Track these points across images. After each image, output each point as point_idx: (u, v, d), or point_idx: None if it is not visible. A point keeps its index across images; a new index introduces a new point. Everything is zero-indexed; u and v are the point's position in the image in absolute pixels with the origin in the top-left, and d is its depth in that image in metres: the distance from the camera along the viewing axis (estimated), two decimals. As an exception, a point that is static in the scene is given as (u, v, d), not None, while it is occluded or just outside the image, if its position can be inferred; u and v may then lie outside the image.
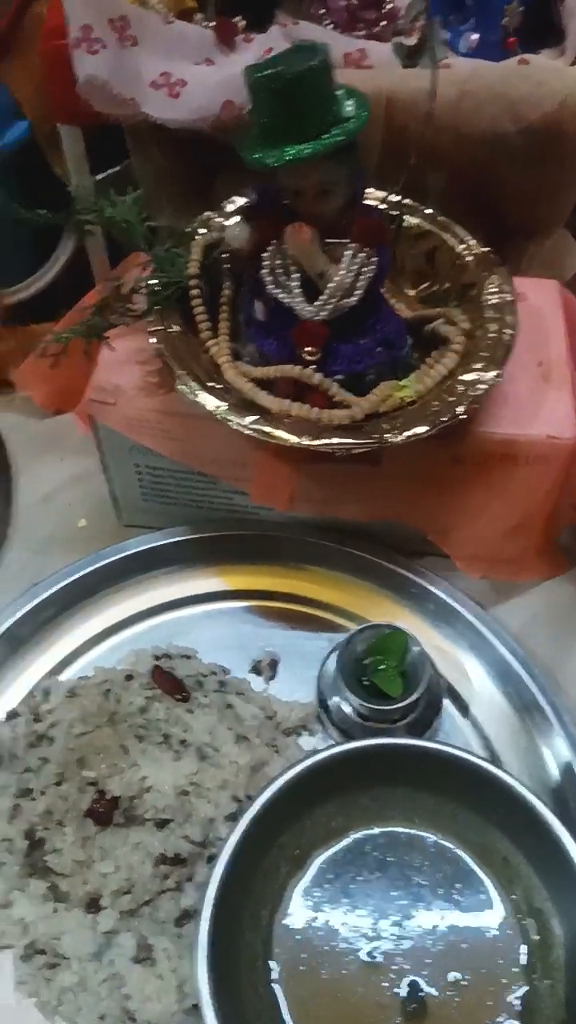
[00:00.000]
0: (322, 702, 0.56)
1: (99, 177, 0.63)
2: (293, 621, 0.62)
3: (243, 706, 0.56)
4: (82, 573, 0.62)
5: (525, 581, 0.63)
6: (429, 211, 0.58)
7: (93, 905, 0.48)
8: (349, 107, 0.44)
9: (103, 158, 0.64)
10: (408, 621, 0.61)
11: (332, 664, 0.56)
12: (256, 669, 0.60)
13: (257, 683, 0.59)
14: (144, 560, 0.63)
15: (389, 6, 0.63)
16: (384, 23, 0.63)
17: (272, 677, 0.60)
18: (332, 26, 0.63)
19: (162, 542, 0.63)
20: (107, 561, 0.62)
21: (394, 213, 0.57)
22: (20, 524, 0.69)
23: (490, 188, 0.61)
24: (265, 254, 0.49)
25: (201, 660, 0.59)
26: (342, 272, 0.48)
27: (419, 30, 0.65)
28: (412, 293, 0.58)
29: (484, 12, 0.62)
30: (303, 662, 0.60)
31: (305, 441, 0.48)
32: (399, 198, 0.57)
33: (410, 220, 0.58)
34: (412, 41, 0.61)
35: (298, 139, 0.44)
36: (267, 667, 0.60)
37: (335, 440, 0.48)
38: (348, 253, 0.48)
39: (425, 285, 0.59)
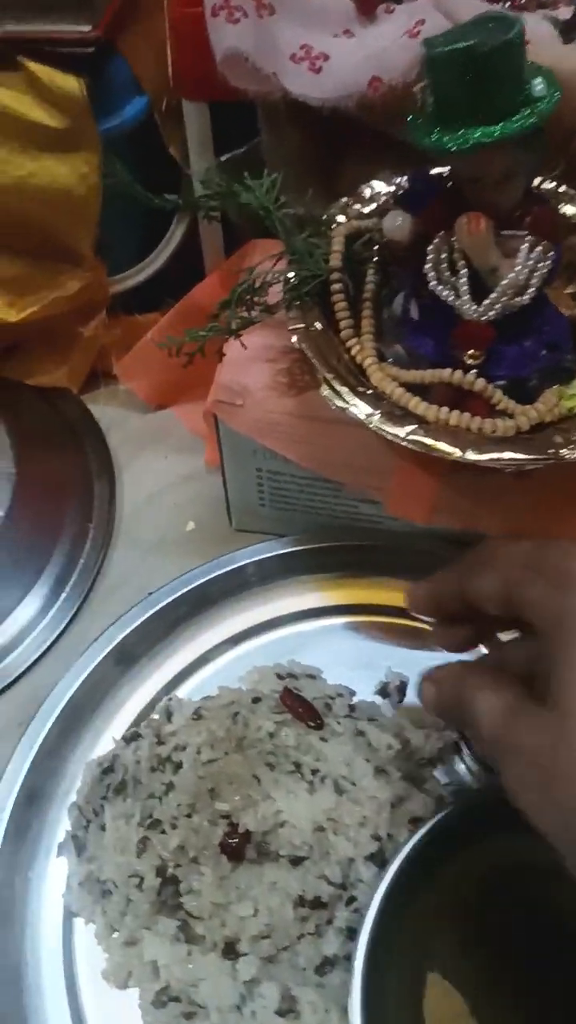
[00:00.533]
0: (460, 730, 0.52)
1: (223, 158, 0.59)
2: (420, 640, 0.58)
3: (376, 734, 0.52)
4: (199, 583, 0.58)
5: None
6: (589, 199, 0.53)
7: (231, 950, 0.45)
8: (539, 86, 0.39)
9: (223, 139, 0.60)
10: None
11: None
12: (383, 691, 0.56)
13: (384, 706, 0.55)
14: (263, 569, 0.59)
15: (539, -27, 0.57)
16: (531, -7, 0.58)
17: (400, 701, 0.56)
18: (474, -5, 0.58)
19: (283, 551, 0.59)
20: (225, 570, 0.59)
21: (545, 195, 0.52)
22: (125, 524, 0.66)
23: None
24: (430, 247, 0.44)
25: (326, 680, 0.55)
26: (517, 268, 0.43)
27: (565, 2, 0.60)
28: (567, 290, 0.53)
29: None
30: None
31: (471, 456, 0.43)
32: (553, 185, 0.53)
33: (566, 209, 0.53)
34: (567, 14, 0.56)
35: (483, 120, 0.39)
36: (395, 690, 0.56)
37: (505, 455, 0.44)
38: (524, 247, 0.43)
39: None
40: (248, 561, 0.59)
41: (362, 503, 0.58)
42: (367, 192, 0.54)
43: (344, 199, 0.54)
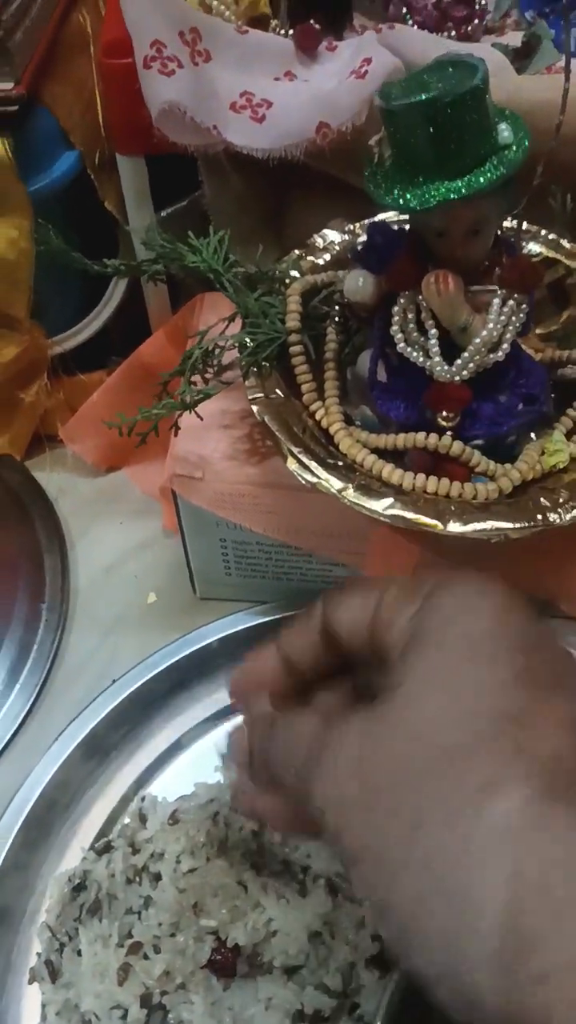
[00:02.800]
0: None
1: (163, 214, 0.55)
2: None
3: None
4: (166, 665, 0.54)
5: None
6: (552, 236, 0.51)
7: None
8: (505, 132, 0.37)
9: (162, 192, 0.56)
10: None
11: None
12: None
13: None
14: (234, 643, 0.55)
15: (482, 2, 0.55)
16: (476, 21, 0.55)
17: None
18: (416, 28, 0.55)
19: (254, 622, 0.55)
20: (193, 648, 0.55)
21: (512, 239, 0.49)
22: (81, 601, 0.62)
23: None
24: (395, 307, 0.41)
25: (310, 762, 0.52)
26: (490, 325, 0.40)
27: (511, 27, 0.58)
28: (536, 330, 0.51)
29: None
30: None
31: (455, 528, 0.40)
32: (515, 222, 0.50)
33: (531, 247, 0.50)
34: (515, 40, 0.54)
35: (448, 174, 0.36)
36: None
37: (489, 524, 0.41)
38: (496, 302, 0.40)
39: (551, 321, 0.51)
40: (217, 637, 0.55)
41: (336, 566, 0.54)
42: (320, 242, 0.51)
43: (296, 252, 0.51)
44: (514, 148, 0.36)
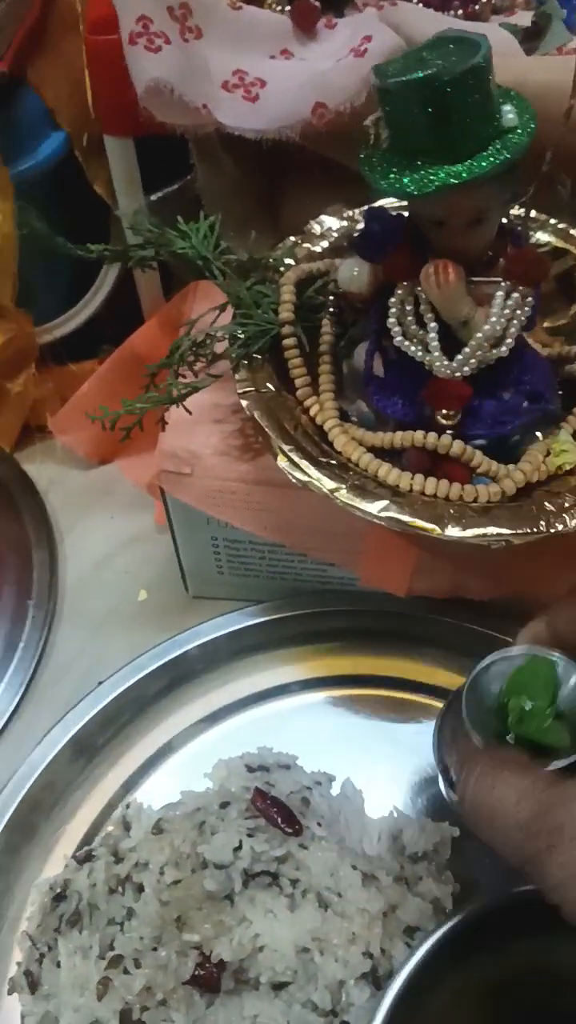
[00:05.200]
0: (444, 772, 0.41)
1: (153, 197, 0.53)
2: (405, 711, 0.53)
3: (362, 829, 0.47)
4: (155, 666, 0.53)
5: None
6: (561, 225, 0.48)
7: None
8: (509, 114, 0.35)
9: (153, 175, 0.54)
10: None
11: (451, 721, 0.41)
12: (368, 774, 0.50)
13: (371, 791, 0.50)
14: (226, 646, 0.54)
15: (489, -22, 0.52)
16: (483, 0, 0.53)
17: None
18: (421, 5, 0.53)
19: (247, 623, 0.54)
20: (183, 650, 0.53)
21: (518, 228, 0.47)
22: (70, 598, 0.60)
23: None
24: (393, 299, 0.39)
25: (303, 768, 0.50)
26: (492, 319, 0.38)
27: (521, 6, 0.55)
28: (544, 324, 0.48)
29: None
30: (421, 760, 0.51)
31: (453, 533, 0.38)
32: (522, 211, 0.48)
33: (539, 237, 0.48)
34: (525, 20, 0.51)
35: (448, 158, 0.34)
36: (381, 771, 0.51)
37: (491, 530, 0.39)
38: (500, 294, 0.38)
39: (559, 314, 0.49)
40: (208, 638, 0.54)
41: (331, 566, 0.52)
42: (317, 229, 0.49)
43: (292, 239, 0.48)
44: (519, 132, 0.34)
